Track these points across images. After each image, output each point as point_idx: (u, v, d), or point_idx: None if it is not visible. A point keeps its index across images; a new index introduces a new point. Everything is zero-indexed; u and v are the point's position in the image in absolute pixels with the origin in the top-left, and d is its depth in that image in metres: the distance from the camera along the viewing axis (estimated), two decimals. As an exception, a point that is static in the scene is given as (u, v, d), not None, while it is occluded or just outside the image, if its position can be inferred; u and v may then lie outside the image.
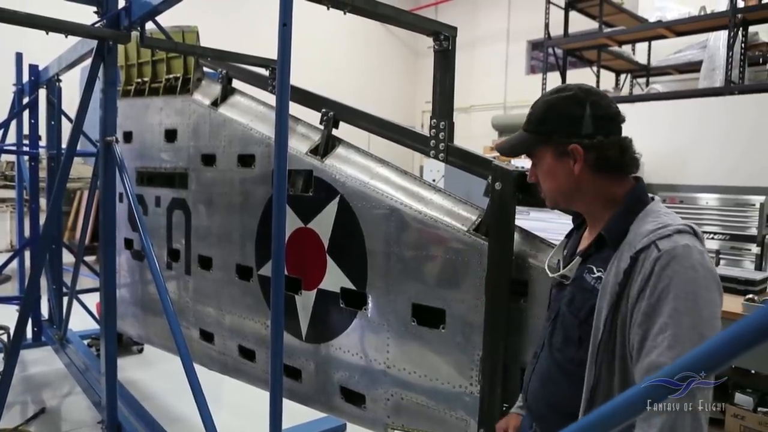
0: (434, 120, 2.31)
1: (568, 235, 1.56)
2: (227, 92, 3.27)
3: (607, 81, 9.83)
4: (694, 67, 8.56)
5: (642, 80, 9.86)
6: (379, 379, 2.43)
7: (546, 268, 1.52)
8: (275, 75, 2.88)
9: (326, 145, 2.67)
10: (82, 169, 8.33)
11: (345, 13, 2.13)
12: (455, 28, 2.33)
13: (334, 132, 2.72)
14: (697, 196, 6.43)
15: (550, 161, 1.37)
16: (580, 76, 9.85)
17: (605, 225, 1.33)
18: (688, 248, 1.16)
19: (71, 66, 3.85)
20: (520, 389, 1.71)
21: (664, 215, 1.27)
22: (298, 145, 2.74)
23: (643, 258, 1.18)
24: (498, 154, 1.63)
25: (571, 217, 1.59)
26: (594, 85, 9.15)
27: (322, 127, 2.72)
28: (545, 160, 1.39)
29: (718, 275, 1.18)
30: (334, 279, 2.56)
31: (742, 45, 7.30)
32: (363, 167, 2.53)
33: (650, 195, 1.35)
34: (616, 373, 1.23)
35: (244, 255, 3.01)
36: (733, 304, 3.17)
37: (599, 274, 1.29)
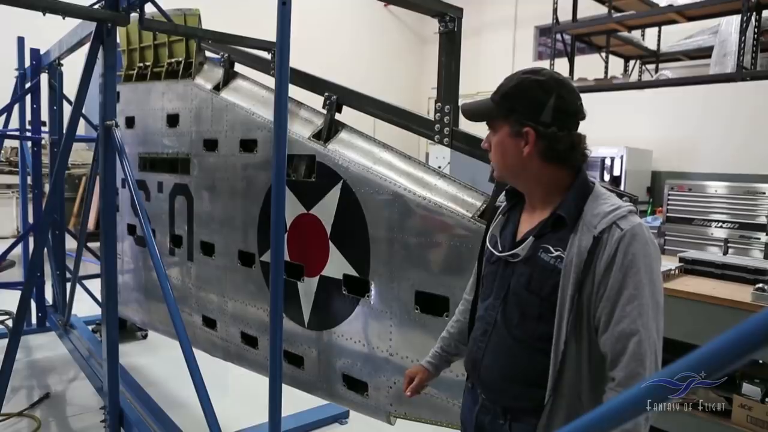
0: (439, 104, 2.26)
1: (503, 213, 1.58)
2: (229, 76, 3.23)
3: (616, 67, 9.68)
4: (704, 53, 8.38)
5: (651, 66, 9.69)
6: (382, 367, 2.41)
7: (488, 245, 1.54)
8: (277, 58, 2.83)
9: (329, 130, 2.62)
10: (87, 155, 8.31)
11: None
12: (461, 9, 2.27)
13: (338, 116, 2.68)
14: (706, 183, 6.35)
15: (504, 136, 1.42)
16: (589, 62, 9.75)
17: (562, 207, 1.38)
18: (641, 227, 1.31)
19: (72, 50, 3.80)
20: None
21: (611, 197, 1.39)
22: (301, 130, 2.69)
23: (607, 237, 1.29)
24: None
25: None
26: (602, 71, 8.96)
27: (324, 112, 2.68)
28: (500, 134, 1.43)
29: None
30: (337, 265, 2.53)
31: (755, 30, 7.14)
32: (366, 152, 2.49)
33: (590, 179, 1.44)
34: (584, 342, 1.32)
35: (247, 241, 2.98)
36: (741, 293, 3.11)
37: (558, 253, 1.35)
